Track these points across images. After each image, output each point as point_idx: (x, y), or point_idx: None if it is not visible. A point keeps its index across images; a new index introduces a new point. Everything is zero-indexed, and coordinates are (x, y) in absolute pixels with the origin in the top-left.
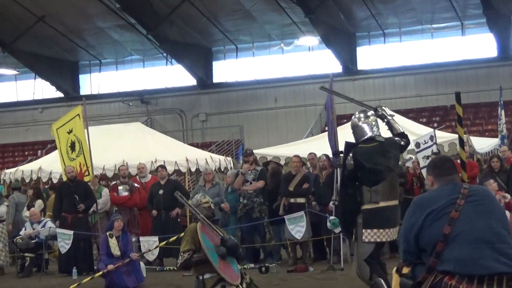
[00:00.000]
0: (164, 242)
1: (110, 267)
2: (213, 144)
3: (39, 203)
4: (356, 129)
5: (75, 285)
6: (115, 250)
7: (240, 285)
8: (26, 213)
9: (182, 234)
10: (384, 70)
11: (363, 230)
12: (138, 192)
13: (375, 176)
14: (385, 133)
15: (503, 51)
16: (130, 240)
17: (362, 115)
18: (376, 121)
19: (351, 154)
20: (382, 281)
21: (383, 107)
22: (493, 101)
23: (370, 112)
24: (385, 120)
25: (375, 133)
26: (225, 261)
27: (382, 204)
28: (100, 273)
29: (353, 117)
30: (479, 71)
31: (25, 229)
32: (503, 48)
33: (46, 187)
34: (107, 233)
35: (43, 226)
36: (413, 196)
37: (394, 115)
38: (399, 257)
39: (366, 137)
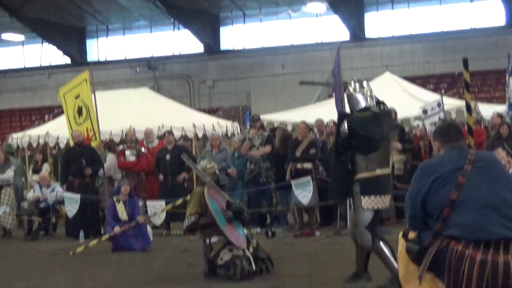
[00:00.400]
0: (170, 206)
1: (117, 229)
2: (220, 110)
3: (46, 167)
4: (351, 99)
5: (82, 247)
6: (123, 214)
7: (246, 249)
8: (33, 177)
9: (188, 197)
10: (392, 37)
11: (362, 198)
12: (145, 157)
13: (371, 144)
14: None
15: None
16: (137, 204)
17: (357, 85)
18: (371, 91)
19: (345, 122)
20: (382, 244)
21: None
22: (501, 68)
23: (365, 83)
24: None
25: (369, 103)
26: (231, 225)
27: (378, 172)
28: (107, 236)
29: (348, 86)
30: (488, 39)
31: (34, 191)
32: (511, 15)
33: (54, 151)
34: (114, 198)
35: (52, 191)
36: (420, 162)
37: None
38: (405, 223)
39: (361, 107)
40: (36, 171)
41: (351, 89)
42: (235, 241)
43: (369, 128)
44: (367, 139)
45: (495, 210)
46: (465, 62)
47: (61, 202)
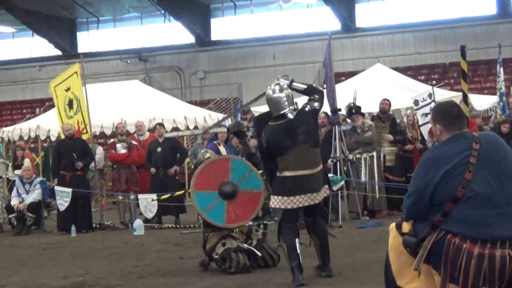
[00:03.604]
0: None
1: None
2: (211, 102)
3: (27, 161)
4: (269, 103)
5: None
6: None
7: (244, 243)
8: (15, 172)
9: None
10: (383, 27)
11: (271, 197)
12: (136, 150)
13: (280, 151)
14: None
15: (503, 8)
16: None
17: (277, 87)
18: (290, 94)
19: (264, 132)
20: (286, 246)
21: (279, 79)
22: (492, 59)
23: (282, 83)
24: (292, 87)
25: (286, 109)
26: (236, 198)
27: (286, 173)
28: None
29: (267, 89)
30: (479, 29)
31: (17, 190)
32: (502, 5)
33: (45, 145)
34: (215, 142)
35: (34, 186)
36: (410, 152)
37: (292, 80)
38: (397, 215)
39: (277, 114)
40: (17, 166)
41: (270, 92)
42: (238, 220)
43: (278, 137)
44: (275, 147)
45: (497, 210)
46: (463, 51)
47: (52, 194)
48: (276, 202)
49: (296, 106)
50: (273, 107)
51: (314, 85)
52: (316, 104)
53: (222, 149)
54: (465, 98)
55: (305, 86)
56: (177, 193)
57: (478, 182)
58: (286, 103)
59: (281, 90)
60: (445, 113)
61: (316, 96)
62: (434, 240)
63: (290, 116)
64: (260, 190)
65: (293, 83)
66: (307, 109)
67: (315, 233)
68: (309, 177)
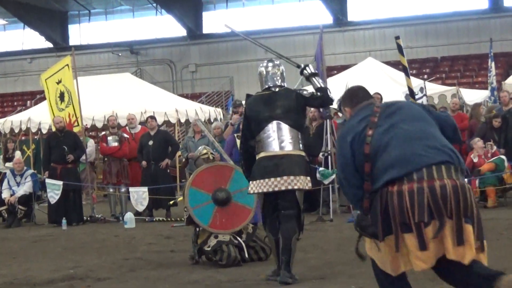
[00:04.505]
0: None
1: None
2: (202, 95)
3: (18, 154)
4: (259, 78)
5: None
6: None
7: (236, 236)
8: (6, 164)
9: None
10: (375, 21)
11: (249, 183)
12: (127, 143)
13: (257, 125)
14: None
15: (494, 2)
16: None
17: (270, 63)
18: (282, 72)
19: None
20: (271, 240)
21: (309, 65)
22: (484, 53)
23: (278, 62)
24: (309, 78)
25: (272, 83)
26: (227, 206)
27: (262, 154)
28: None
29: (260, 65)
30: (470, 23)
31: (8, 182)
32: None
33: (36, 137)
34: (235, 135)
35: (25, 179)
36: None
37: (317, 74)
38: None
39: (263, 87)
40: (8, 159)
41: (263, 67)
42: (227, 227)
43: (257, 108)
44: (252, 118)
45: (418, 140)
46: (399, 46)
47: (43, 187)
48: (253, 187)
49: (284, 86)
50: (261, 80)
51: (329, 91)
52: (305, 92)
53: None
54: (411, 93)
55: (321, 86)
56: (179, 199)
57: (384, 132)
58: (275, 78)
59: (274, 66)
60: (351, 96)
61: (319, 93)
62: (380, 203)
63: (276, 89)
64: (252, 208)
65: (315, 77)
66: (299, 90)
67: (281, 231)
68: (286, 158)
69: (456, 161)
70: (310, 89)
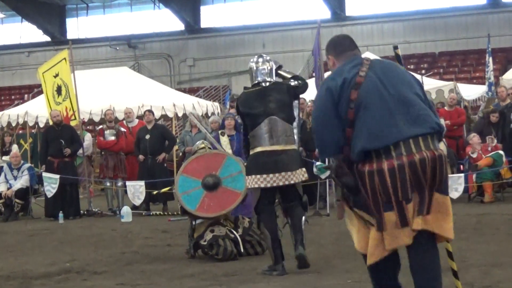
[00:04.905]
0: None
1: None
2: (200, 89)
3: (15, 147)
4: (249, 73)
5: None
6: (227, 148)
7: (233, 230)
8: (1, 158)
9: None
10: (373, 16)
11: (246, 177)
12: (124, 137)
13: (251, 121)
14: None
15: None
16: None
17: (260, 59)
18: (272, 68)
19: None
20: (267, 234)
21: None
22: (482, 48)
23: (268, 58)
24: (278, 73)
25: (261, 78)
26: (216, 191)
27: (259, 149)
28: None
29: (250, 61)
30: (468, 18)
31: (5, 176)
32: None
33: (33, 131)
34: (219, 132)
35: (22, 172)
36: None
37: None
38: None
39: (253, 82)
40: (5, 152)
41: (253, 62)
42: (216, 210)
43: (249, 104)
44: (247, 114)
45: (399, 110)
46: (398, 56)
47: (40, 181)
48: (251, 181)
49: (274, 80)
50: (251, 76)
51: (299, 75)
52: (294, 83)
53: (225, 139)
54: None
55: (289, 76)
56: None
57: (372, 88)
58: (264, 72)
59: (264, 62)
60: (336, 44)
61: (300, 81)
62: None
63: (266, 84)
64: (241, 192)
65: (280, 69)
66: (285, 82)
67: (291, 218)
68: (282, 154)
69: (436, 127)
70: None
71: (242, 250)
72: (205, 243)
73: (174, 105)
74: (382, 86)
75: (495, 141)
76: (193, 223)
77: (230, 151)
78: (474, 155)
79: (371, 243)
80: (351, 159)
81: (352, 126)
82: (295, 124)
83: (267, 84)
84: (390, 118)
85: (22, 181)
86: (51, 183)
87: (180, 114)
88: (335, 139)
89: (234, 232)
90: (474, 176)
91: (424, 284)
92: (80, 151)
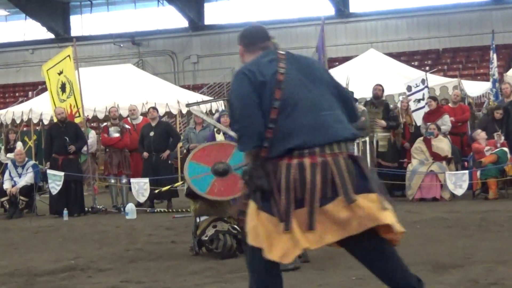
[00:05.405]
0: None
1: None
2: (204, 86)
3: (19, 145)
4: None
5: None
6: None
7: (234, 225)
8: (7, 155)
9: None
10: (377, 13)
11: None
12: (128, 134)
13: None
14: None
15: None
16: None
17: None
18: None
19: None
20: None
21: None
22: (486, 45)
23: None
24: None
25: None
26: (226, 177)
27: None
28: None
29: None
30: (472, 15)
31: (10, 173)
32: None
33: (37, 128)
34: (214, 129)
35: (27, 169)
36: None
37: None
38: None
39: None
40: (10, 150)
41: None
42: (227, 193)
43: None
44: None
45: (324, 111)
46: None
47: (44, 178)
48: None
49: None
50: None
51: None
52: None
53: (220, 137)
54: None
55: None
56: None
57: (295, 86)
58: None
59: None
60: (248, 33)
61: None
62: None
63: None
64: None
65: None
66: None
67: None
68: None
69: (353, 135)
70: None
71: (244, 246)
72: (207, 238)
73: (178, 102)
74: (306, 86)
75: (503, 138)
76: (197, 220)
77: None
78: (488, 153)
79: (284, 245)
80: (267, 155)
81: (273, 126)
82: None
83: None
84: (318, 118)
85: (27, 178)
86: (55, 180)
87: (184, 111)
88: (260, 130)
89: (237, 228)
90: (478, 173)
91: (399, 282)
92: (85, 148)
